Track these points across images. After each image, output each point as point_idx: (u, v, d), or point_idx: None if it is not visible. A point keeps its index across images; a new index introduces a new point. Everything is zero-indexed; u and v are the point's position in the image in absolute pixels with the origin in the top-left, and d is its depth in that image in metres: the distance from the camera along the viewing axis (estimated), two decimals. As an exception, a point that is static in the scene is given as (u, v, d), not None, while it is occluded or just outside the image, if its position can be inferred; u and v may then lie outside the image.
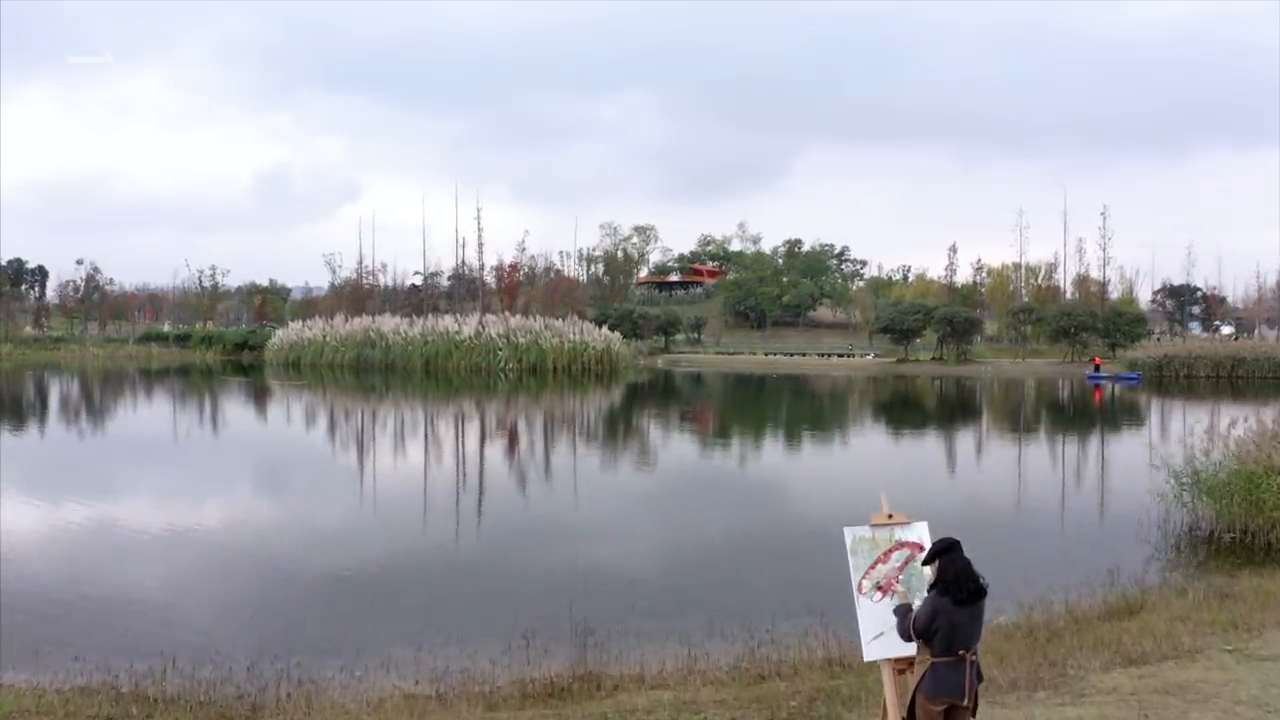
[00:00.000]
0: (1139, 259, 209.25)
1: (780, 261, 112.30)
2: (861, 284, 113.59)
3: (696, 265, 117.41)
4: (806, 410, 38.11)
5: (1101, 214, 75.61)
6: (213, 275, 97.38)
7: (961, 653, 4.24)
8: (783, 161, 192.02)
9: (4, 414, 32.07)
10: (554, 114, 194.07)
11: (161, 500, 16.15)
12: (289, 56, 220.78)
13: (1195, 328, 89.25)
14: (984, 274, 79.64)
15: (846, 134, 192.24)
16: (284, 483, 18.98)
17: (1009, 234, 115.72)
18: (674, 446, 25.30)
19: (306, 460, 21.87)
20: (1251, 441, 12.71)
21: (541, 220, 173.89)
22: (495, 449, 24.58)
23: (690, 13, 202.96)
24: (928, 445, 25.95)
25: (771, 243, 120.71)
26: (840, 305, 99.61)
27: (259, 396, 41.14)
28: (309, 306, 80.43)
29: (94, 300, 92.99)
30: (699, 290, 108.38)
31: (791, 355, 74.64)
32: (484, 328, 57.61)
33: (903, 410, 37.59)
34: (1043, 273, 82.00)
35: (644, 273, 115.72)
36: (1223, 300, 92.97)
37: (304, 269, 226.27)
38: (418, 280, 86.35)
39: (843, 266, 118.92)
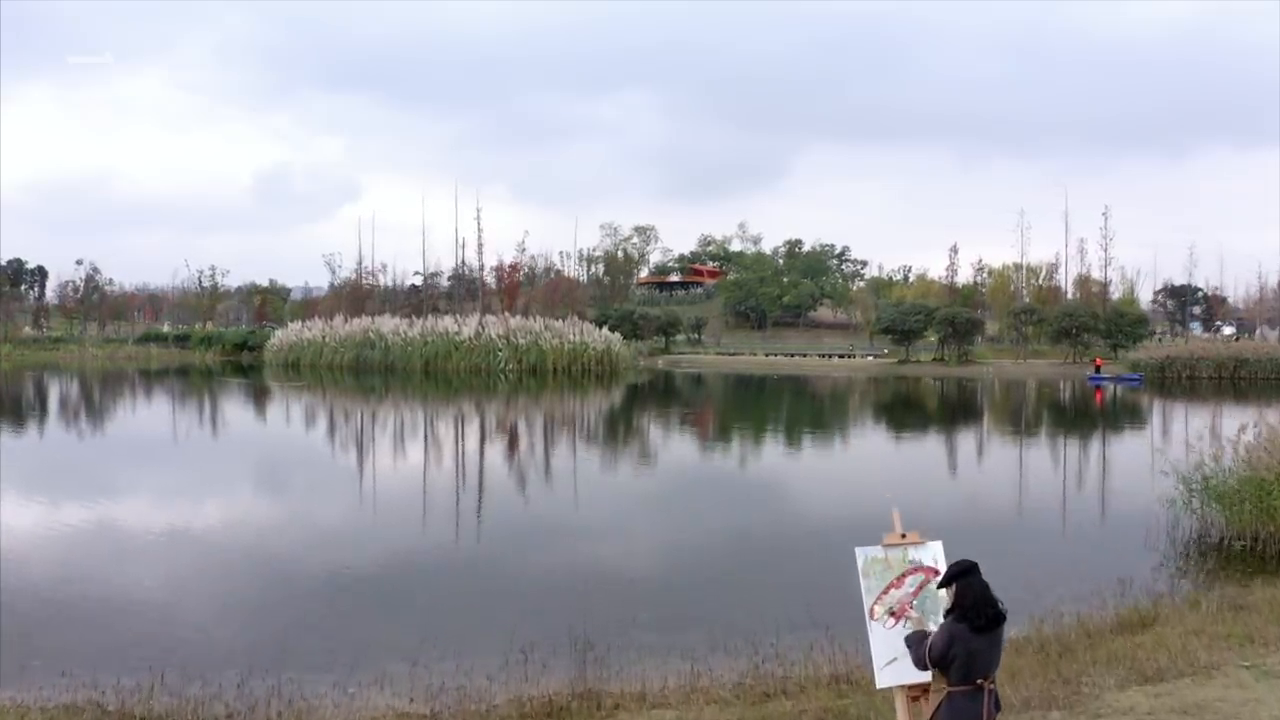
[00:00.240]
0: (1140, 259, 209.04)
1: (780, 262, 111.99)
2: (862, 284, 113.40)
3: (697, 265, 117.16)
4: (808, 411, 37.91)
5: (1103, 214, 75.65)
6: (212, 275, 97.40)
7: (980, 681, 4.05)
8: (783, 161, 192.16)
9: (1, 415, 31.86)
10: (554, 114, 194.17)
11: (155, 505, 15.94)
12: (289, 56, 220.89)
13: (1196, 328, 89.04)
14: (985, 274, 79.47)
15: (846, 134, 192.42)
16: (279, 487, 18.78)
17: (1010, 234, 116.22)
18: (674, 448, 25.11)
19: (302, 463, 21.67)
20: (1262, 447, 12.51)
21: (541, 220, 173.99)
22: (494, 451, 24.38)
23: (690, 13, 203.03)
24: (929, 447, 25.76)
25: (772, 243, 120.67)
26: (841, 306, 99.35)
27: (257, 397, 40.94)
28: (308, 307, 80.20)
29: (93, 300, 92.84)
30: (699, 291, 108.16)
31: (792, 356, 74.38)
32: (484, 328, 57.40)
33: (904, 412, 37.41)
34: (1044, 273, 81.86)
35: (644, 273, 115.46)
36: (1224, 300, 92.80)
37: (304, 269, 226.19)
38: (417, 281, 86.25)
39: (843, 267, 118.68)
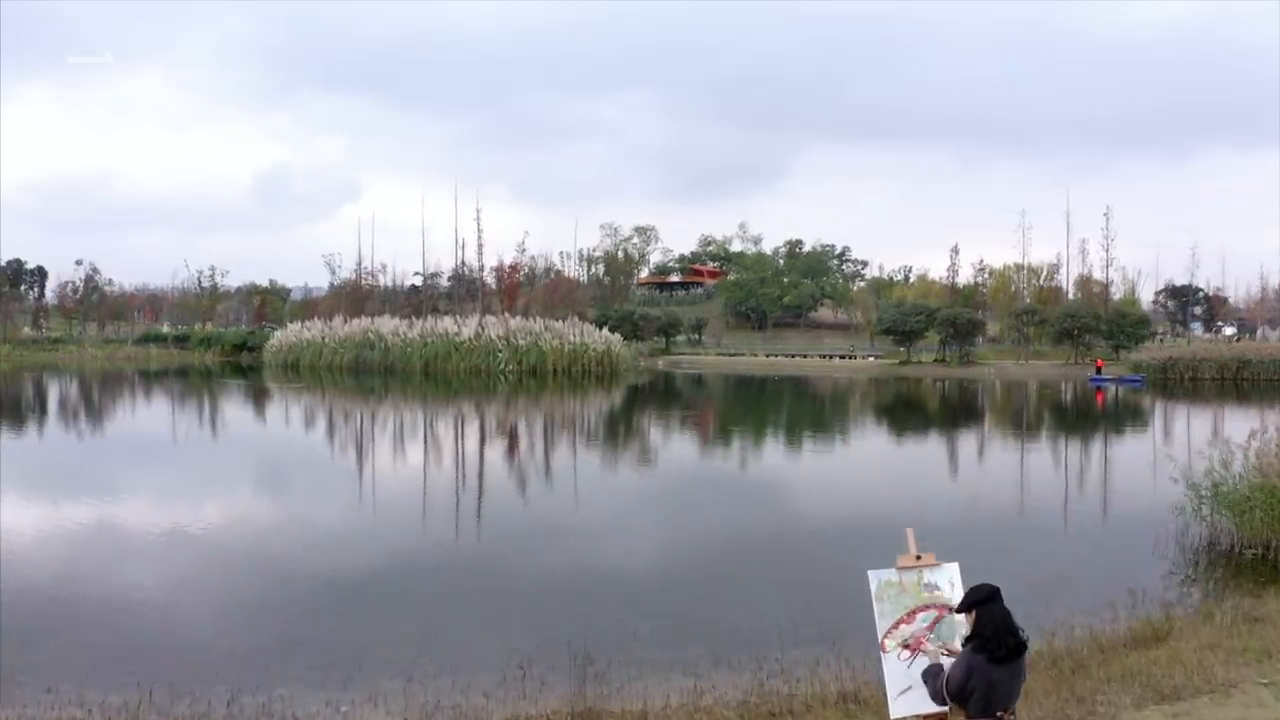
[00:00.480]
0: (1140, 259, 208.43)
1: (781, 262, 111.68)
2: (862, 284, 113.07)
3: (697, 266, 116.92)
4: (808, 413, 37.69)
5: (1104, 214, 75.44)
6: (212, 276, 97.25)
7: (1000, 714, 3.85)
8: (783, 161, 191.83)
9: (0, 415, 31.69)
10: (554, 114, 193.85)
11: (148, 509, 15.70)
12: (289, 56, 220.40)
13: (1197, 329, 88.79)
14: (986, 275, 79.20)
15: (846, 134, 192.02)
16: (275, 491, 18.56)
17: (1010, 234, 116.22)
18: (674, 450, 24.90)
19: (299, 466, 21.45)
20: (1273, 454, 12.30)
21: (541, 220, 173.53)
22: (493, 453, 24.16)
23: (690, 13, 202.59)
24: (930, 449, 25.55)
25: (772, 243, 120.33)
26: (841, 306, 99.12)
27: (256, 399, 40.73)
28: (308, 307, 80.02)
29: (93, 301, 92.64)
30: (699, 291, 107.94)
31: (793, 356, 74.17)
32: (484, 329, 57.21)
33: (905, 413, 37.19)
34: (1045, 274, 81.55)
35: (644, 273, 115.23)
36: (1225, 301, 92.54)
37: (304, 269, 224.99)
38: (417, 281, 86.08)
39: (843, 267, 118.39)
